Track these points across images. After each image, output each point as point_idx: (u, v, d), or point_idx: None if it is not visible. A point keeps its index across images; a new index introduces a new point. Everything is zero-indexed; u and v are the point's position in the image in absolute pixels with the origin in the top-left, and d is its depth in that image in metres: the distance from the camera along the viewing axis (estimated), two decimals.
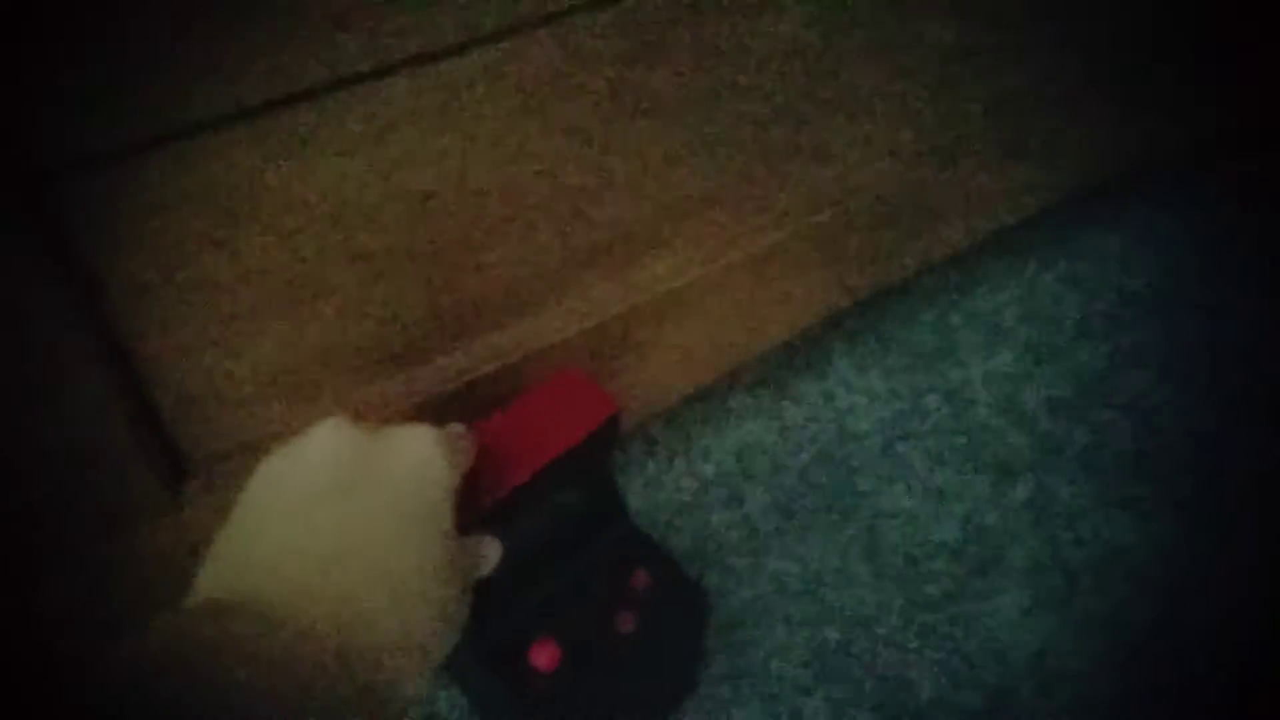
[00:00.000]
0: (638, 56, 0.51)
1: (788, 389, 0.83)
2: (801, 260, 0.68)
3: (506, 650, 0.53)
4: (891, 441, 0.80)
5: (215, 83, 0.39)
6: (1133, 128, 0.86)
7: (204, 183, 0.41)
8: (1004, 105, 0.74)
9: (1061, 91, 0.77)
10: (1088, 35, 0.75)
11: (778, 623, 0.69)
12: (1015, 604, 0.70)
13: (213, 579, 0.34)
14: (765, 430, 0.80)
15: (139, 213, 0.40)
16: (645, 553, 0.57)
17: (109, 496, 0.45)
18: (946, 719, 0.64)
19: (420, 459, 0.39)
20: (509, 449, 0.49)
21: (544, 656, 0.52)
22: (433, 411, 0.55)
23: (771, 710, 0.64)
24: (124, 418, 0.43)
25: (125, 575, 0.48)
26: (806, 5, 0.56)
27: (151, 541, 0.47)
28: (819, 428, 0.81)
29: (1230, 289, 0.92)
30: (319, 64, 0.41)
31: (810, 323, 0.75)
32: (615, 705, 0.57)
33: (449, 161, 0.48)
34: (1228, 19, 0.84)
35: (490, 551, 0.45)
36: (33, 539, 0.44)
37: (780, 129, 0.61)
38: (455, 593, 0.38)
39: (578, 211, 0.55)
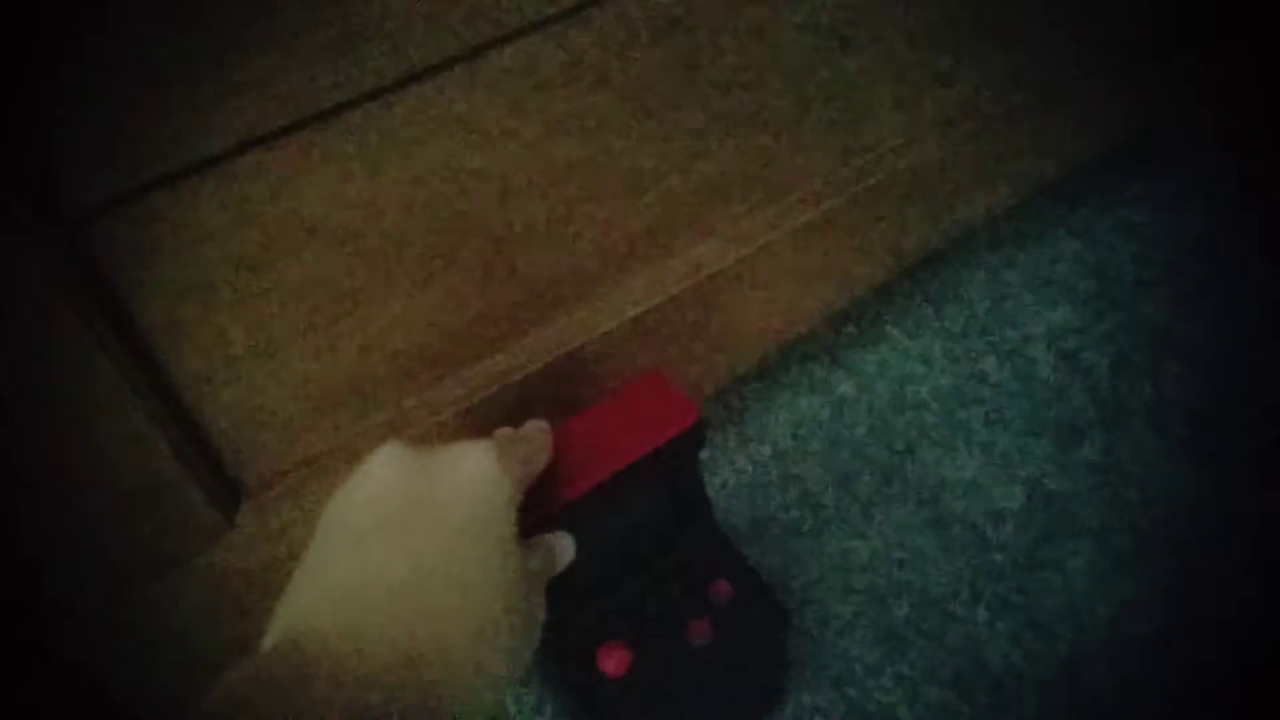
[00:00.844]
0: (669, 39, 0.50)
1: (841, 361, 0.82)
2: (846, 230, 0.67)
3: (577, 651, 0.53)
4: (951, 408, 0.78)
5: (247, 101, 0.38)
6: (1182, 79, 0.83)
7: (239, 205, 0.41)
8: (1044, 57, 0.71)
9: (1106, 40, 0.74)
10: None
11: (843, 603, 0.68)
12: (1085, 569, 0.68)
13: (286, 620, 0.35)
14: (820, 405, 0.79)
15: (176, 242, 0.40)
16: (729, 563, 0.56)
17: (165, 527, 0.45)
18: (1021, 691, 0.63)
19: (474, 475, 0.39)
20: (588, 449, 0.48)
21: (612, 661, 0.52)
22: (483, 415, 0.55)
23: (842, 693, 0.64)
24: (171, 448, 0.43)
25: (186, 602, 0.48)
26: None
27: (210, 567, 0.48)
28: (875, 398, 0.79)
29: None
30: (345, 78, 0.40)
31: (860, 292, 0.73)
32: (686, 717, 0.56)
33: (486, 162, 0.47)
34: None
35: (563, 548, 0.45)
36: (89, 576, 0.44)
37: (814, 102, 0.60)
38: (524, 600, 0.38)
39: (617, 202, 0.54)
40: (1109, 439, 0.75)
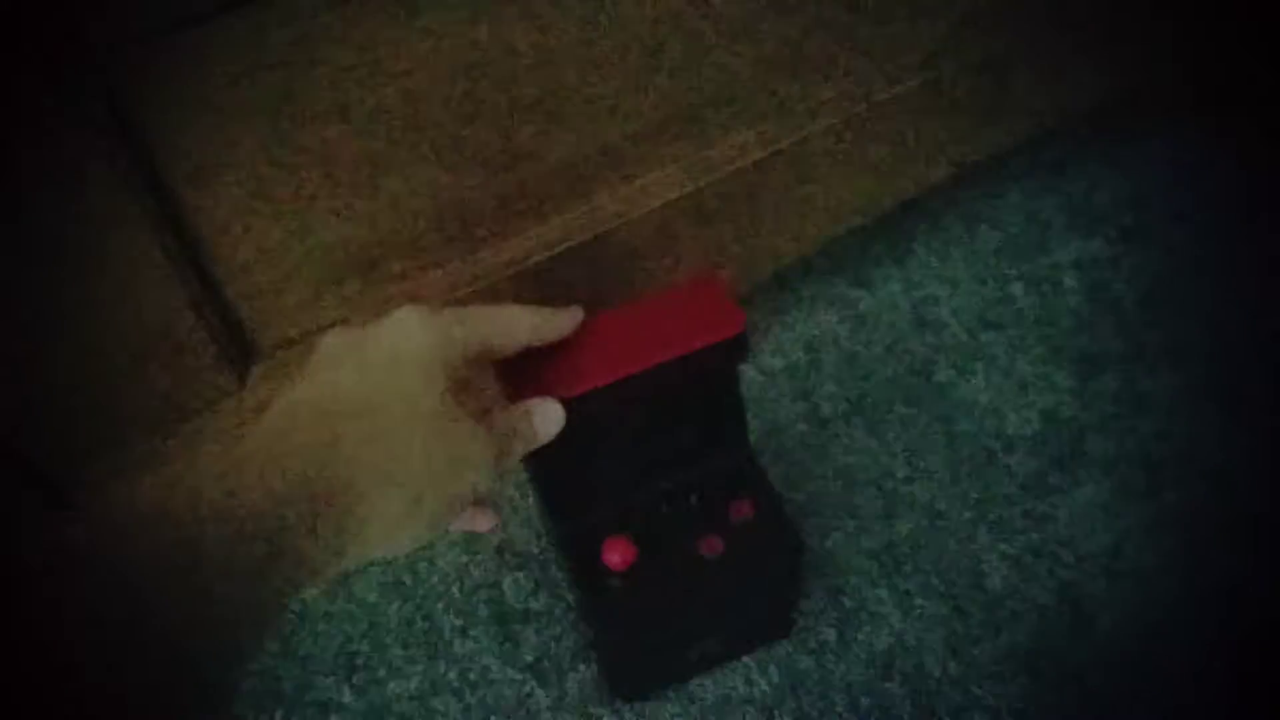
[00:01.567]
0: None
1: (864, 276, 0.81)
2: (878, 137, 0.65)
3: (583, 541, 0.53)
4: (973, 331, 0.77)
5: None
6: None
7: (266, 55, 0.40)
8: None
9: None
10: None
11: (846, 515, 0.68)
12: (1093, 498, 0.68)
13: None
14: (839, 320, 0.78)
15: (201, 85, 0.40)
16: (754, 485, 0.55)
17: (177, 380, 0.46)
18: (1016, 611, 0.64)
19: (401, 323, 0.40)
20: (624, 341, 0.48)
21: (617, 554, 0.52)
22: (505, 295, 0.55)
23: (836, 601, 0.64)
24: (188, 297, 0.43)
25: (188, 458, 0.49)
26: None
27: (214, 425, 0.48)
28: (896, 316, 0.78)
29: None
30: None
31: (889, 205, 0.72)
32: (687, 625, 0.57)
33: (510, 32, 0.46)
34: None
35: (546, 416, 0.45)
36: (102, 423, 0.45)
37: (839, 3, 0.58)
38: (446, 448, 0.39)
39: (639, 85, 0.53)
40: (1130, 372, 0.74)
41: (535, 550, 0.67)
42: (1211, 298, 0.78)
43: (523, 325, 0.45)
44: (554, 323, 0.46)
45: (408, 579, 0.66)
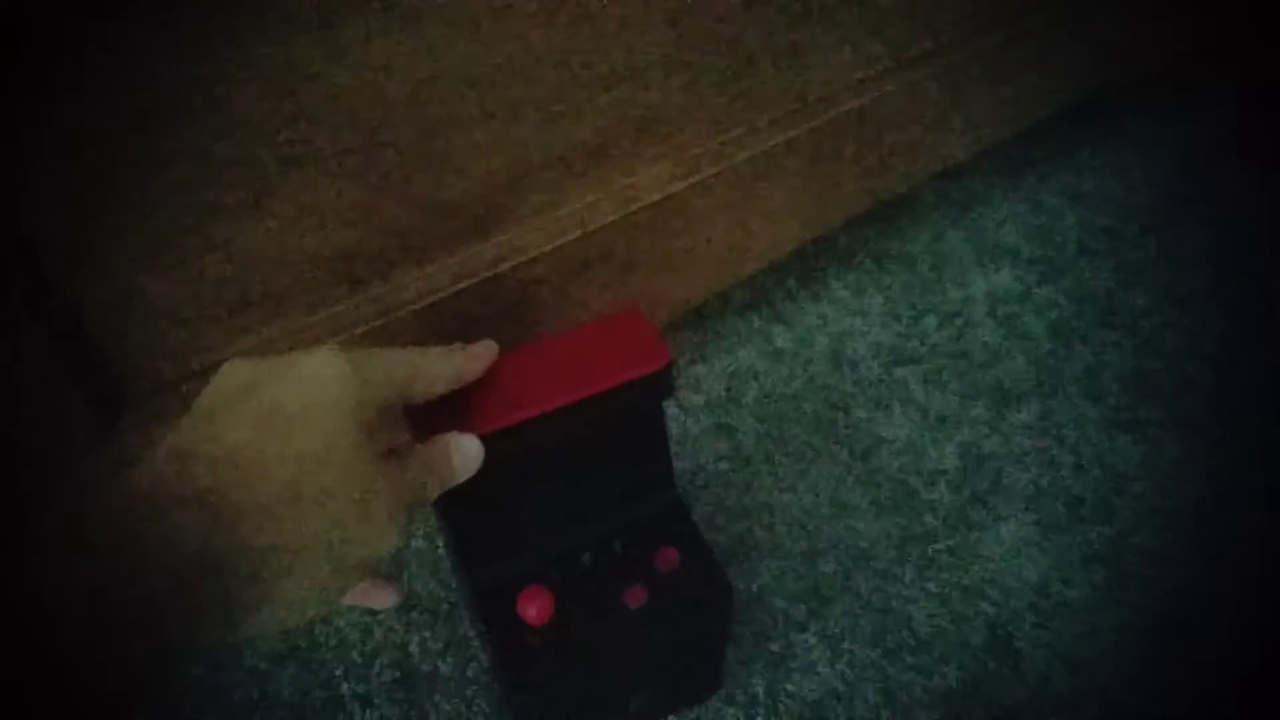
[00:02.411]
0: None
1: (780, 312, 0.79)
2: (790, 173, 0.64)
3: (497, 594, 0.49)
4: (889, 366, 0.76)
5: None
6: (1130, 36, 0.81)
7: (143, 67, 0.36)
8: (994, 10, 0.69)
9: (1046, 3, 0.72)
10: None
11: (771, 557, 0.65)
12: (1015, 533, 0.67)
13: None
14: (757, 356, 0.76)
15: (64, 105, 0.35)
16: (681, 531, 0.52)
17: (36, 426, 0.40)
18: (946, 653, 0.62)
19: (313, 370, 0.36)
20: (544, 376, 0.44)
21: (534, 608, 0.48)
22: (408, 332, 0.51)
23: (764, 646, 0.61)
24: (52, 342, 0.38)
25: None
26: None
27: (75, 479, 0.43)
28: (813, 353, 0.77)
29: (1231, 202, 0.88)
30: None
31: (802, 240, 0.70)
32: (609, 683, 0.52)
33: (423, 53, 0.43)
34: None
35: (463, 451, 0.41)
36: None
37: (757, 34, 0.56)
38: (364, 503, 0.35)
39: (553, 115, 0.50)
40: (1045, 405, 0.74)
41: (444, 605, 0.63)
42: (1121, 328, 0.79)
43: (444, 369, 0.41)
44: (473, 363, 0.42)
45: (302, 643, 0.61)
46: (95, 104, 0.36)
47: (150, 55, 0.36)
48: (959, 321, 0.79)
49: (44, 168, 0.36)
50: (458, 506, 0.45)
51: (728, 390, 0.74)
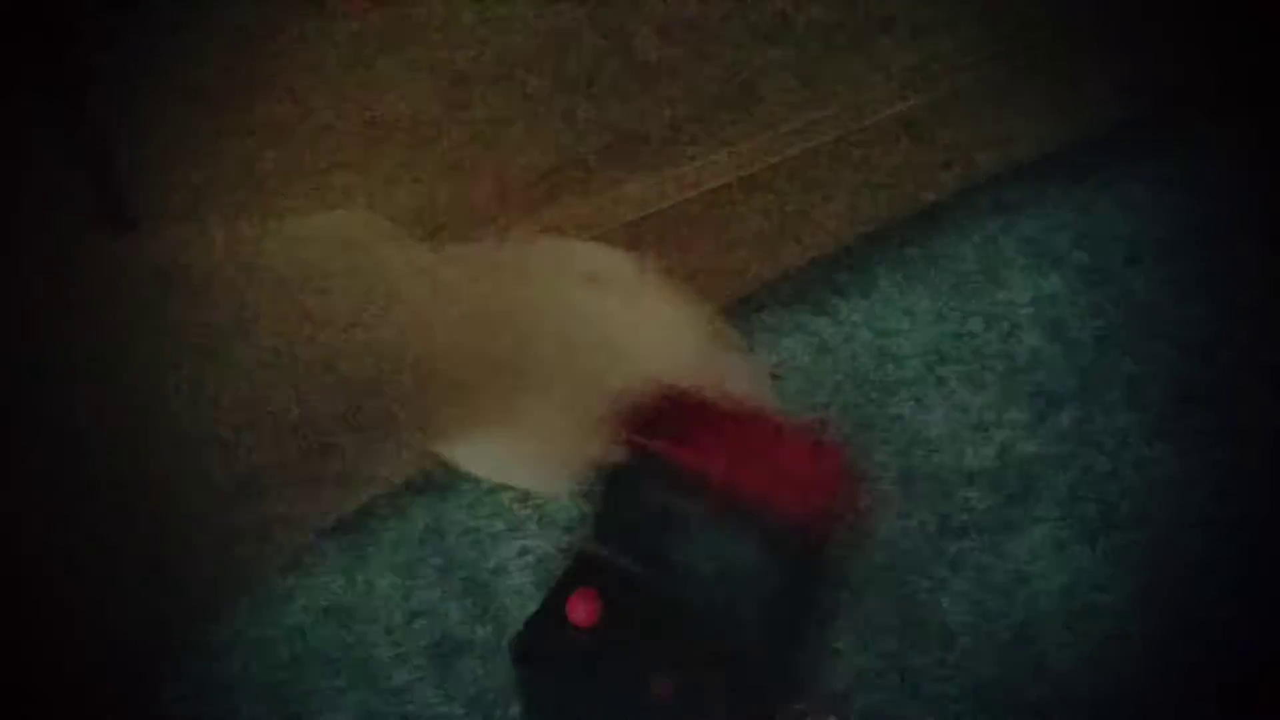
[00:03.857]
0: None
1: (828, 306, 0.80)
2: (845, 168, 0.65)
3: (579, 575, 0.45)
4: (932, 365, 0.77)
5: None
6: (1198, 45, 0.81)
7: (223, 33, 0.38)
8: (1058, 14, 0.69)
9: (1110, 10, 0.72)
10: None
11: None
12: (1049, 535, 0.68)
13: None
14: (801, 348, 0.77)
15: (155, 59, 0.37)
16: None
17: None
18: (972, 649, 0.63)
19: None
20: (724, 438, 0.39)
21: (582, 609, 0.45)
22: None
23: None
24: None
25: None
26: None
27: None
28: (857, 347, 0.78)
29: None
30: None
31: (854, 236, 0.71)
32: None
33: (483, 39, 0.44)
34: None
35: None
36: None
37: (819, 32, 0.57)
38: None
39: (605, 100, 0.51)
40: (1086, 410, 0.74)
41: (485, 573, 0.65)
42: (1169, 339, 0.79)
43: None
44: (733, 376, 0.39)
45: (343, 601, 0.63)
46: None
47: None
48: (1005, 324, 0.79)
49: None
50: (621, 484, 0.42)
51: (769, 379, 0.75)
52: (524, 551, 0.66)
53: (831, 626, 0.45)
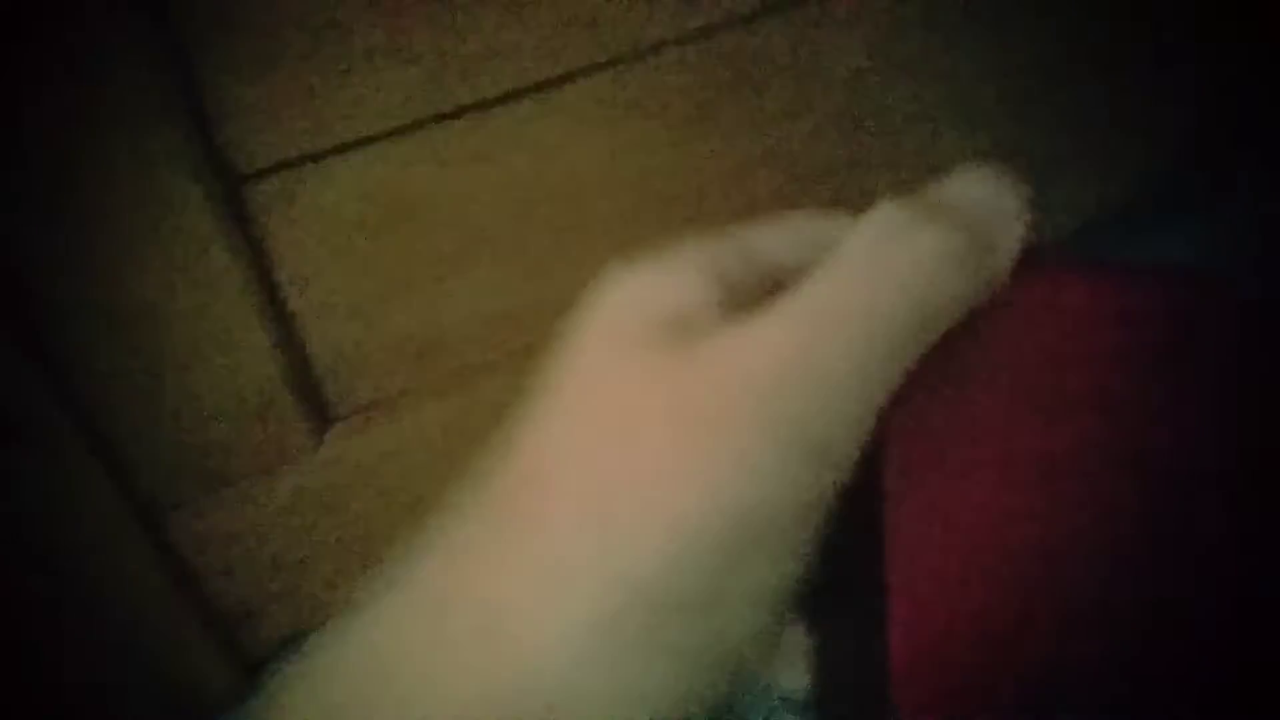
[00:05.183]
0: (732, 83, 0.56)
1: None
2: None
3: None
4: None
5: (391, 98, 0.47)
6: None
7: (374, 186, 0.49)
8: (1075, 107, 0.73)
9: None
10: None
11: None
12: None
13: None
14: None
15: (320, 210, 0.48)
16: None
17: (263, 433, 0.53)
18: None
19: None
20: None
21: None
22: None
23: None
24: (280, 366, 0.51)
25: (270, 508, 0.56)
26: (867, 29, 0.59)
27: (296, 486, 0.55)
28: None
29: None
30: (466, 88, 0.48)
31: None
32: None
33: (548, 173, 0.54)
34: None
35: None
36: (192, 468, 0.53)
37: (861, 139, 0.63)
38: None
39: (666, 220, 0.60)
40: None
41: None
42: None
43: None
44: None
45: None
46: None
47: None
48: None
49: None
50: None
51: None
52: None
53: None
